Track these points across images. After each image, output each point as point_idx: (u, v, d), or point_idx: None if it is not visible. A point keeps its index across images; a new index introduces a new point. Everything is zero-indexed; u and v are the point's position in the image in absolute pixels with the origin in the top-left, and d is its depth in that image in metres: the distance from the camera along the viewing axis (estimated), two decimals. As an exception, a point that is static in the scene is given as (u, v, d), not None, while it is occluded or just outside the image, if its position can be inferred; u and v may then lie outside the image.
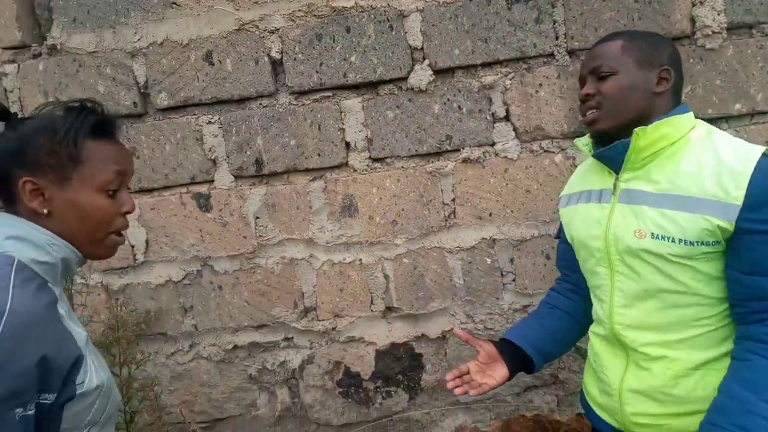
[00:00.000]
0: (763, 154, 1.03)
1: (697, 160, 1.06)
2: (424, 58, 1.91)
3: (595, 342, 1.26)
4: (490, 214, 1.97)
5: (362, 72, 1.93)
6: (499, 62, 1.89)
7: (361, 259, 2.05)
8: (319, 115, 1.98)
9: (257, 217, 2.05)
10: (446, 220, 2.00)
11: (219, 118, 2.01)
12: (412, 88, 1.93)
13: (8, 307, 0.79)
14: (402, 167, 1.99)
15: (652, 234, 1.06)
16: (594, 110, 1.14)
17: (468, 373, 1.33)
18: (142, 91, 2.02)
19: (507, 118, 1.92)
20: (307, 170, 2.02)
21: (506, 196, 1.94)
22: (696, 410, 1.09)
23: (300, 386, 2.15)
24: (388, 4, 1.89)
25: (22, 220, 0.91)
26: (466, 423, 2.08)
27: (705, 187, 1.03)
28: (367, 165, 2.01)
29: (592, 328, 1.29)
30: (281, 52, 1.95)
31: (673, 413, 1.12)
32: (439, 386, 2.09)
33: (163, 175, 2.05)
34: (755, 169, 1.00)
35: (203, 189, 2.05)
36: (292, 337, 2.13)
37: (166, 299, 2.12)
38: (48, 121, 0.93)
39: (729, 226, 1.01)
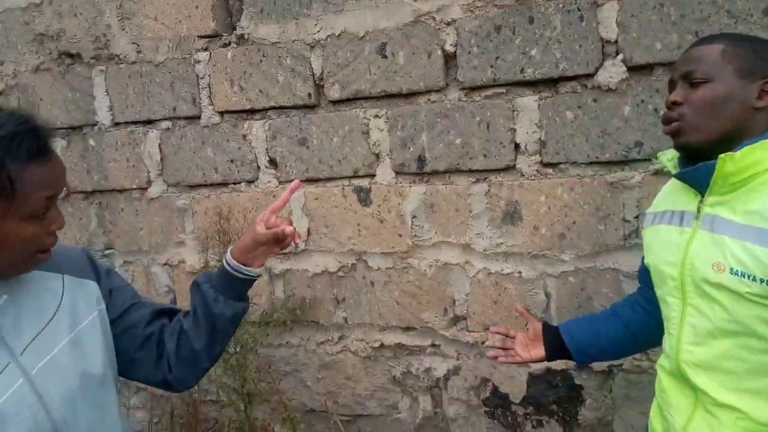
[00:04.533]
0: None
1: None
2: (617, 53, 1.67)
3: (662, 377, 1.16)
4: (683, 238, 1.67)
5: (542, 67, 1.75)
6: (712, 58, 1.59)
7: (520, 272, 1.88)
8: (488, 113, 1.84)
9: (414, 216, 1.98)
10: (626, 239, 1.74)
11: (386, 112, 1.97)
12: (599, 87, 1.70)
13: None
14: (578, 175, 1.78)
15: (731, 269, 0.97)
16: (677, 121, 1.02)
17: (514, 337, 1.42)
18: (317, 83, 2.05)
19: (716, 125, 1.61)
20: (470, 171, 1.91)
21: (706, 218, 1.64)
22: None
23: (443, 397, 2.05)
24: (580, -8, 1.68)
25: None
26: (629, 474, 1.82)
27: None
28: (537, 170, 1.83)
29: (660, 361, 1.19)
30: (455, 45, 1.84)
31: None
32: (599, 424, 1.85)
33: (328, 167, 2.07)
34: None
35: (365, 183, 2.04)
36: (440, 345, 2.04)
37: (321, 288, 2.15)
38: None
39: None
